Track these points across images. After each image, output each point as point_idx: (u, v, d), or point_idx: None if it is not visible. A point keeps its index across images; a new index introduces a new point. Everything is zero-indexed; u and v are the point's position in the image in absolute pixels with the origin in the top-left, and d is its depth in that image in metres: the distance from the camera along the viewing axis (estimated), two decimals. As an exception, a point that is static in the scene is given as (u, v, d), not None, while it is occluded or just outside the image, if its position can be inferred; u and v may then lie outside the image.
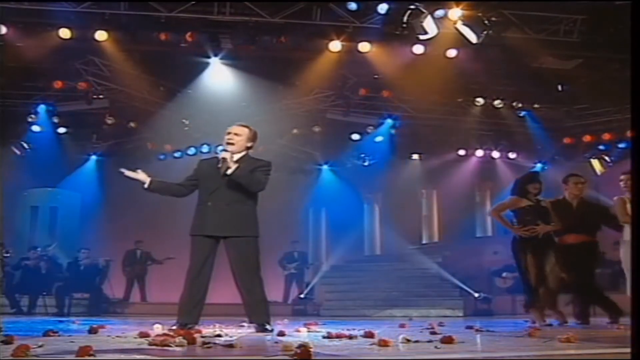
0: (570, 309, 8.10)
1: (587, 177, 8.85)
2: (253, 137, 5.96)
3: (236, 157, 5.76)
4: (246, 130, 5.92)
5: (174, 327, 5.33)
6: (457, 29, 10.30)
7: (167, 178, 6.46)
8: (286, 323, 6.95)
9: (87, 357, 3.14)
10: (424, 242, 18.37)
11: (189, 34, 11.19)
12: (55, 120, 14.39)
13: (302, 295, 14.58)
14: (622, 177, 7.46)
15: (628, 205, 7.10)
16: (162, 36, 11.13)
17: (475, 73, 12.79)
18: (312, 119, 15.34)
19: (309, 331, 5.65)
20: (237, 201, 5.76)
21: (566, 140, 16.01)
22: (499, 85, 13.60)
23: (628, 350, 2.91)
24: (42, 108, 14.06)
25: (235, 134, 5.87)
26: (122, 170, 5.96)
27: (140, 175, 5.99)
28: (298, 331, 5.60)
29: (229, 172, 5.65)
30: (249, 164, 5.81)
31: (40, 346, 3.58)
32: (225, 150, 5.80)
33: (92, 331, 5.15)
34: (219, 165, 5.73)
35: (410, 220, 17.74)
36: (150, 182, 5.95)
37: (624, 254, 7.25)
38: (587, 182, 8.33)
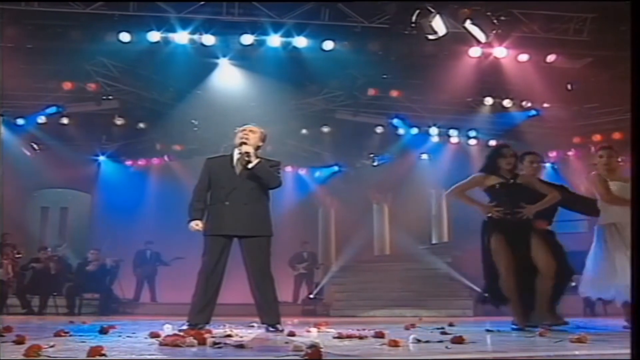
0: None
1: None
2: (264, 138, 6.02)
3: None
4: (259, 130, 5.97)
5: (184, 328, 5.32)
6: (465, 29, 10.27)
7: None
8: (296, 323, 6.95)
9: (98, 357, 3.14)
10: (433, 242, 18.31)
11: (197, 34, 11.23)
12: (65, 121, 14.43)
13: (311, 296, 14.58)
14: (601, 152, 6.36)
15: (611, 184, 6.15)
16: (171, 37, 11.17)
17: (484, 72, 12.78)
18: (321, 119, 15.36)
19: (319, 331, 5.65)
20: (254, 200, 5.78)
21: (576, 140, 15.95)
22: (508, 84, 13.56)
23: (628, 350, 2.89)
24: (52, 109, 14.10)
25: (251, 131, 5.91)
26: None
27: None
28: (308, 331, 5.60)
29: (251, 165, 5.69)
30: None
31: (51, 346, 3.59)
32: (242, 144, 5.80)
33: (103, 331, 5.16)
34: (237, 159, 5.80)
35: (419, 220, 17.68)
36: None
37: (608, 242, 6.10)
38: (542, 162, 7.28)
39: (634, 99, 3.26)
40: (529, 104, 14.11)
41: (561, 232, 16.06)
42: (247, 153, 5.71)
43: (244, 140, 5.82)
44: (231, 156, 5.96)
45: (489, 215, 6.57)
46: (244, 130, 5.92)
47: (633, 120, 3.27)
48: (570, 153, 16.37)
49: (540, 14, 11.13)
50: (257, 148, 5.92)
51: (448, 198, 7.00)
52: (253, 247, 5.73)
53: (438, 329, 5.71)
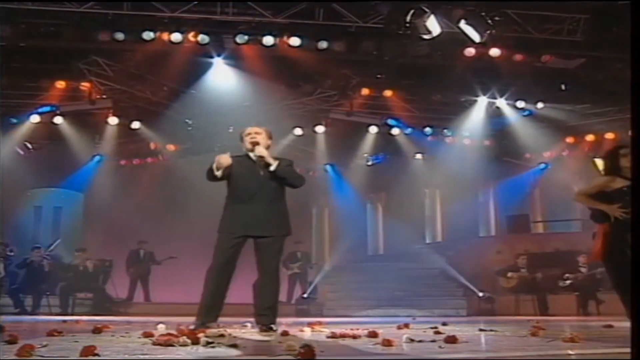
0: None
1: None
2: (270, 136, 5.94)
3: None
4: (263, 130, 5.89)
5: (193, 327, 5.24)
6: (460, 29, 10.29)
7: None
8: (290, 323, 6.95)
9: (91, 357, 3.14)
10: (427, 241, 18.36)
11: (192, 34, 11.21)
12: (59, 120, 14.39)
13: (305, 295, 14.57)
14: (623, 151, 6.21)
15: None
16: (165, 36, 11.15)
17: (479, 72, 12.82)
18: (315, 118, 15.36)
19: (312, 331, 5.65)
20: (277, 200, 5.75)
21: (569, 140, 16.02)
22: (502, 84, 13.59)
23: (628, 350, 2.90)
24: (45, 108, 14.06)
25: (257, 133, 5.81)
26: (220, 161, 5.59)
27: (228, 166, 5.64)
28: (302, 331, 5.60)
29: (272, 168, 5.62)
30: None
31: (44, 346, 3.59)
32: (253, 146, 5.71)
33: (96, 331, 5.15)
34: (255, 161, 5.69)
35: (413, 220, 17.74)
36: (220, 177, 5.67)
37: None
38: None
39: (634, 99, 3.27)
40: (523, 104, 14.15)
41: (555, 231, 16.20)
42: (262, 157, 5.65)
43: (256, 141, 5.73)
44: (248, 156, 5.82)
45: (615, 217, 6.16)
46: (250, 133, 5.82)
47: (633, 120, 3.28)
48: (564, 153, 16.43)
49: (534, 14, 11.17)
50: (268, 147, 5.83)
51: (576, 200, 6.70)
52: (270, 247, 5.67)
53: (431, 328, 5.71)
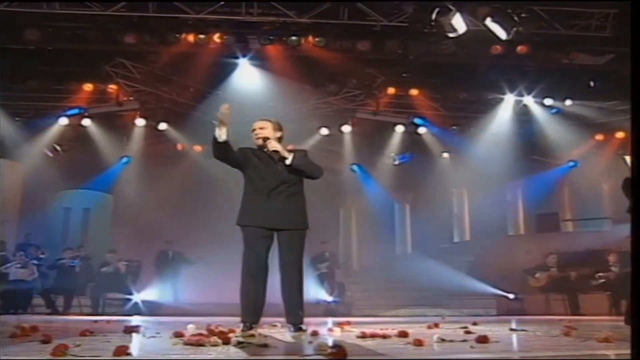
0: None
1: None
2: (279, 127, 5.74)
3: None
4: (268, 122, 5.72)
5: (242, 328, 5.22)
6: (486, 26, 10.21)
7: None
8: (319, 323, 6.94)
9: (124, 357, 3.16)
10: (455, 240, 18.25)
11: (217, 35, 11.27)
12: (87, 122, 14.55)
13: (333, 295, 14.55)
14: None
15: None
16: (191, 38, 11.22)
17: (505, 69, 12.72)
18: (341, 118, 15.35)
19: (342, 331, 5.62)
20: (295, 193, 5.60)
21: (598, 137, 15.80)
22: (530, 81, 13.46)
23: (628, 350, 2.85)
24: (73, 110, 14.23)
25: (260, 128, 5.65)
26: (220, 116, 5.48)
27: (229, 124, 5.49)
28: (331, 331, 5.58)
29: (289, 161, 5.48)
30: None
31: (77, 345, 3.62)
32: (264, 142, 5.57)
33: (127, 331, 5.19)
34: (270, 156, 5.56)
35: (441, 219, 17.63)
36: (223, 142, 5.49)
37: None
38: None
39: (634, 99, 3.24)
40: (551, 102, 13.99)
41: (585, 230, 15.96)
42: (276, 151, 5.50)
43: (265, 137, 5.59)
44: (261, 148, 5.68)
45: None
46: (254, 129, 5.68)
47: (633, 120, 3.25)
48: (593, 150, 16.21)
49: (561, 10, 11.04)
50: (280, 140, 5.68)
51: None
52: (289, 241, 5.52)
53: (461, 328, 5.67)
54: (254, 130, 5.70)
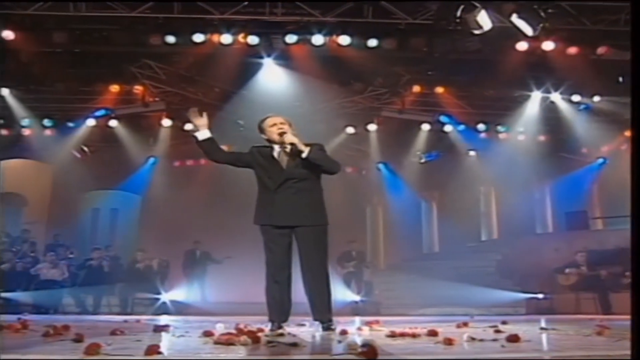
0: None
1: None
2: (292, 125, 5.75)
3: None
4: (286, 119, 5.75)
5: (271, 329, 5.21)
6: (512, 23, 10.11)
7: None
8: (347, 322, 6.91)
9: (156, 356, 3.17)
10: (482, 239, 18.13)
11: (241, 35, 11.30)
12: (114, 123, 14.69)
13: (361, 294, 14.52)
14: None
15: None
16: (215, 38, 11.26)
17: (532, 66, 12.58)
18: (366, 117, 15.32)
19: (371, 330, 5.59)
20: (308, 189, 5.53)
21: (627, 133, 15.56)
22: (557, 78, 13.31)
23: (628, 351, 2.79)
24: (101, 112, 14.38)
25: (282, 123, 5.66)
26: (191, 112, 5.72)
27: (203, 122, 5.74)
28: (360, 330, 5.55)
29: (304, 155, 5.41)
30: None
31: (109, 344, 3.64)
32: (281, 136, 5.54)
33: (157, 330, 5.21)
34: (283, 151, 5.55)
35: (468, 218, 17.51)
36: (204, 140, 5.75)
37: None
38: None
39: (634, 99, 3.18)
40: (579, 98, 13.83)
41: (615, 228, 15.74)
42: (293, 144, 5.45)
43: (282, 130, 5.56)
44: (267, 146, 5.72)
45: None
46: (276, 124, 5.66)
47: (633, 120, 3.19)
48: (622, 147, 15.98)
49: (588, 5, 10.89)
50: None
51: None
52: (305, 237, 5.48)
53: (491, 327, 5.61)
54: (275, 124, 5.68)
